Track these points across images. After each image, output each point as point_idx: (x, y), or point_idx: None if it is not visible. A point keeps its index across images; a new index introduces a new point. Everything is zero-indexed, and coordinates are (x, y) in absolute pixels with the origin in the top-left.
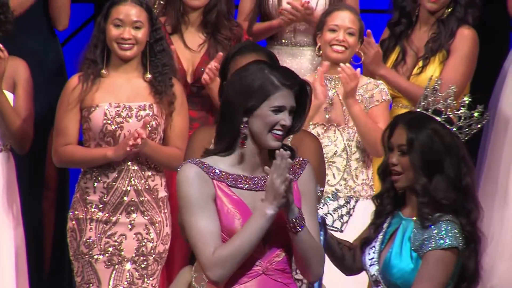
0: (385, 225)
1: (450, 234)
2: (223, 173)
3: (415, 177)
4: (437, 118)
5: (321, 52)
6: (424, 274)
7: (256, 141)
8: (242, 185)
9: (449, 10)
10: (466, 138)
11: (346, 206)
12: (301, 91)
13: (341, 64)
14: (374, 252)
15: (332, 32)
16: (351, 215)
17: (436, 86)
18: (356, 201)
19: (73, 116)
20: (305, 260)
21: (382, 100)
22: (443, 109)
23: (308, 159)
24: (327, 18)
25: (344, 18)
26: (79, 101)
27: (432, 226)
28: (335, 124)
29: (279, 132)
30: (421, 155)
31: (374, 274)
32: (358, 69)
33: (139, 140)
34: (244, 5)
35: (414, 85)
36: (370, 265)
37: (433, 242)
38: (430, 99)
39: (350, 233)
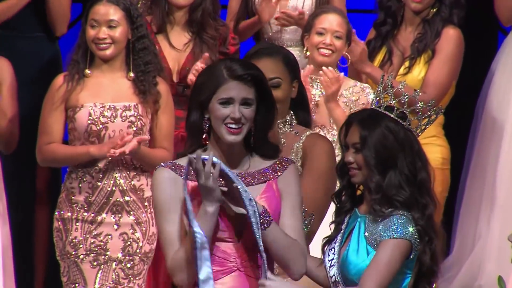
0: (343, 226)
1: (401, 227)
2: None
3: (369, 174)
4: (390, 114)
5: (308, 54)
6: (380, 259)
7: (219, 140)
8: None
9: (434, 10)
10: (420, 133)
11: None
12: (259, 82)
13: (323, 68)
14: (333, 253)
15: (320, 35)
16: None
17: (388, 83)
18: None
19: (57, 115)
20: (280, 258)
21: (367, 103)
22: (397, 104)
23: (292, 159)
24: (315, 21)
25: (332, 21)
26: (64, 100)
27: (385, 220)
28: (320, 126)
29: (232, 126)
30: (375, 152)
31: (333, 275)
32: (342, 73)
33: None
34: (232, 5)
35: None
36: (330, 267)
37: (385, 233)
38: (382, 95)
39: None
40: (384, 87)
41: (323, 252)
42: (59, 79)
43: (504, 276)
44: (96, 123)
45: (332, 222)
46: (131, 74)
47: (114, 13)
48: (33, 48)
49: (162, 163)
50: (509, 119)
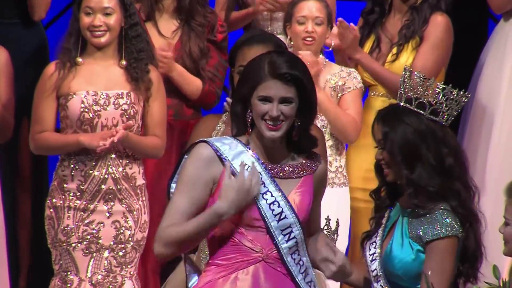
0: (383, 220)
1: (446, 223)
2: None
3: (397, 170)
4: (409, 106)
5: (292, 43)
6: (432, 267)
7: (259, 132)
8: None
9: None
10: (447, 120)
11: None
12: (299, 82)
13: (300, 52)
14: (375, 247)
15: (301, 24)
16: None
17: (407, 74)
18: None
19: (49, 103)
20: None
21: (354, 88)
22: (417, 95)
23: (320, 155)
24: (294, 10)
25: (311, 8)
26: (55, 88)
27: (428, 216)
28: None
29: (270, 122)
30: (398, 148)
31: (375, 269)
32: (322, 57)
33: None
34: None
35: (388, 70)
36: (372, 261)
37: (430, 232)
38: (406, 86)
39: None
40: (403, 80)
41: (363, 247)
42: (51, 67)
43: (494, 262)
44: (89, 111)
45: (371, 218)
46: (123, 62)
47: (109, 1)
48: (14, 34)
49: (209, 140)
50: (499, 108)
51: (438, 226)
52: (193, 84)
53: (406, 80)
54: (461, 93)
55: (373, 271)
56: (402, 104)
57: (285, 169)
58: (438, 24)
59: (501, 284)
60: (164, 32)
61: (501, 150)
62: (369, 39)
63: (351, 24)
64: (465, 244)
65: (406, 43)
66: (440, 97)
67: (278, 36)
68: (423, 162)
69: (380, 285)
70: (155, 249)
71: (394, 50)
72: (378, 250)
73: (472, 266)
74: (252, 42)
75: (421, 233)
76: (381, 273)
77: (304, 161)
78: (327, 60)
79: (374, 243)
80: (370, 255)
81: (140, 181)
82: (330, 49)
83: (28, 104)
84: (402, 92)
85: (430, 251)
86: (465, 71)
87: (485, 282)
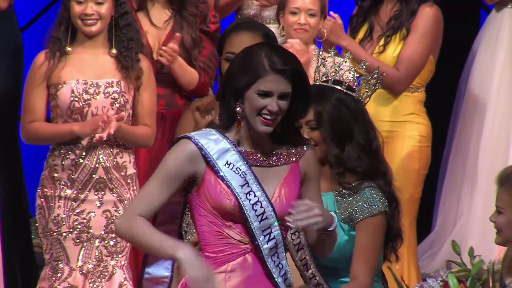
0: None
1: (375, 199)
2: None
3: (327, 149)
4: (339, 87)
5: (284, 32)
6: (364, 244)
7: (249, 122)
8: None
9: None
10: (368, 99)
11: None
12: (299, 77)
13: (289, 40)
14: (298, 237)
15: (294, 15)
16: None
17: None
18: None
19: (39, 93)
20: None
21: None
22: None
23: (308, 139)
24: (288, 0)
25: (305, 0)
26: (46, 78)
27: (355, 195)
28: None
29: (267, 117)
30: (330, 126)
31: (304, 258)
32: (313, 46)
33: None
34: None
35: (374, 58)
36: (297, 250)
37: (362, 212)
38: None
39: None
40: (318, 66)
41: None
42: (41, 57)
43: (486, 253)
44: (79, 100)
45: None
46: (114, 51)
47: None
48: None
49: (193, 136)
50: (491, 98)
51: (368, 204)
52: (190, 75)
53: (320, 66)
54: (379, 76)
55: (301, 260)
56: (328, 84)
57: (272, 157)
58: (426, 16)
59: (488, 269)
60: (156, 22)
61: (493, 140)
62: (363, 27)
63: (330, 12)
64: (390, 224)
65: (394, 35)
66: (357, 80)
67: (268, 24)
68: (353, 141)
69: (311, 273)
70: (117, 222)
71: (382, 42)
72: (302, 239)
73: (394, 246)
74: (239, 28)
75: (352, 213)
76: (311, 261)
77: (290, 148)
78: (321, 50)
79: (296, 233)
80: (295, 245)
81: (131, 170)
82: (322, 40)
83: None
84: (318, 75)
85: (361, 228)
86: (457, 62)
87: (451, 261)
